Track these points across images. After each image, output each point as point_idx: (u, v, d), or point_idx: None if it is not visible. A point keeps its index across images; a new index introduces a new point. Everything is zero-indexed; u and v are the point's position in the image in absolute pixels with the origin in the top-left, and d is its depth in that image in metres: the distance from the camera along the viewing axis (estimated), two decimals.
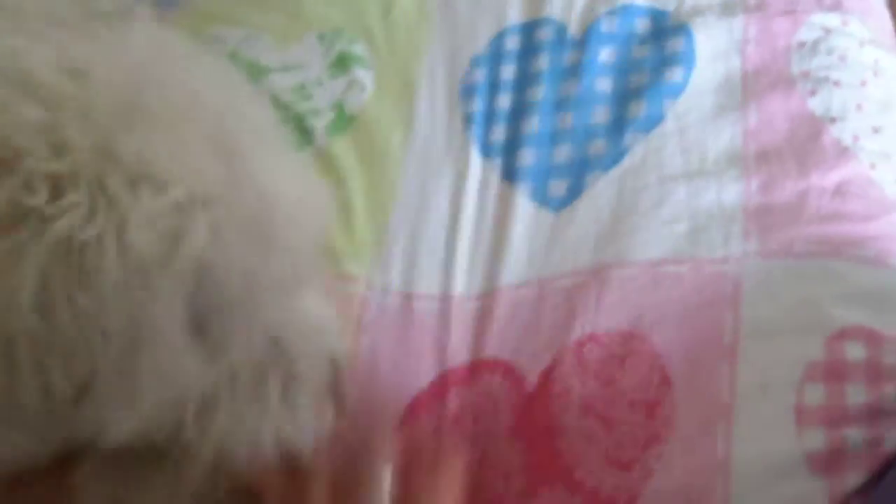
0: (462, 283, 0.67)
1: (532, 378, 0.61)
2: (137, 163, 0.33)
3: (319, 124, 0.75)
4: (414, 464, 0.46)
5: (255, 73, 0.78)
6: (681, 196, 0.66)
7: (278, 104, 0.76)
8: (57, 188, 0.31)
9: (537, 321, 0.63)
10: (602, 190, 0.68)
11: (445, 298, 0.66)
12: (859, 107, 0.68)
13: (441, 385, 0.62)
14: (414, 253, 0.69)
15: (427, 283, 0.67)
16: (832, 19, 0.72)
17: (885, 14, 0.76)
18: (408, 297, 0.67)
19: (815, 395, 0.55)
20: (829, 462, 0.52)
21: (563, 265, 0.65)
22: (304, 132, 0.75)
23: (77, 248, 0.31)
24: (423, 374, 0.63)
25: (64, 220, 0.31)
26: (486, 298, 0.65)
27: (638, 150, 0.70)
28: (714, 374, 0.57)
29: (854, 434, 0.53)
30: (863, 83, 0.69)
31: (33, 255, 0.31)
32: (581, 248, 0.66)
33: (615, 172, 0.69)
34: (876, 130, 0.67)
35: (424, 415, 0.61)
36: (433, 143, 0.75)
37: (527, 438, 0.59)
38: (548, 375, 0.60)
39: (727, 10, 0.74)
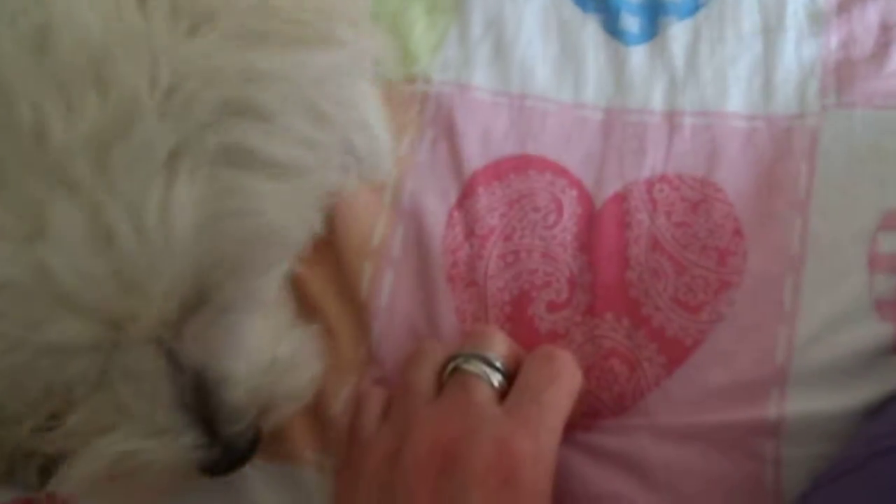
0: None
1: (598, 201, 0.60)
2: None
3: None
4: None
5: None
6: (757, 51, 0.65)
7: None
8: None
9: (602, 149, 0.62)
10: (677, 35, 0.66)
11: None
12: None
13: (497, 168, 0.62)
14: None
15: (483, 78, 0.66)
16: None
17: None
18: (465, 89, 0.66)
19: (890, 243, 0.54)
20: None
21: (633, 101, 0.64)
22: None
23: None
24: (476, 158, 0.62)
25: None
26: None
27: (714, 2, 0.67)
28: (786, 227, 0.57)
29: None
30: None
31: None
32: (653, 89, 0.65)
33: (690, 22, 0.67)
34: None
35: (482, 190, 0.61)
36: None
37: (592, 254, 0.58)
38: (617, 205, 0.59)
39: None
